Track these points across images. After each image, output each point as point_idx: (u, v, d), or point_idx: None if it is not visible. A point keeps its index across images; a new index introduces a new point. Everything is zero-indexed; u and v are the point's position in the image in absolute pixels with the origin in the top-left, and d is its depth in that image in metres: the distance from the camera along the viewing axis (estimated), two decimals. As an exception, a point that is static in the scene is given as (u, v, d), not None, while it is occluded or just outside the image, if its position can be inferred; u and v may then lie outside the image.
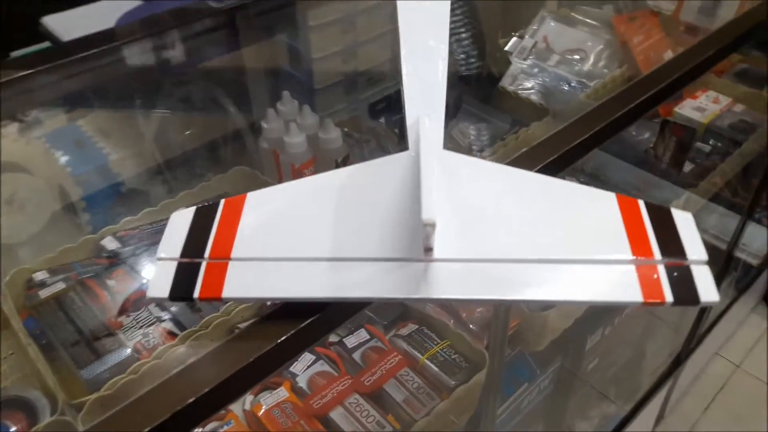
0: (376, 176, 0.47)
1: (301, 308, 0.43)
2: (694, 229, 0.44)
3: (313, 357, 0.71)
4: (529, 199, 0.45)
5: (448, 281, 0.41)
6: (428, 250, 0.40)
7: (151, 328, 0.76)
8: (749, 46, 1.23)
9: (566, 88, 1.09)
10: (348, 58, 1.07)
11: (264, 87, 1.08)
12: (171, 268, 0.43)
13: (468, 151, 0.98)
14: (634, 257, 0.42)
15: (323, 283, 0.42)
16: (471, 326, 0.77)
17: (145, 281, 0.81)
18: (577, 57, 1.14)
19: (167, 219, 0.45)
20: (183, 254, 0.43)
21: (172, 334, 0.75)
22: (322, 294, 0.42)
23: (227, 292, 0.42)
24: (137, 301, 0.79)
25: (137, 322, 0.76)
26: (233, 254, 0.43)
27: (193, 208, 0.46)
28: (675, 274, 0.41)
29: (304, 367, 0.70)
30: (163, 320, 0.77)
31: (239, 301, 0.42)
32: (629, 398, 1.36)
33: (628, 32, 1.11)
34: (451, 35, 0.99)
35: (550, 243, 0.43)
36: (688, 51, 0.74)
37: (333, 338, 0.73)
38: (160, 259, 0.44)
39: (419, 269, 0.42)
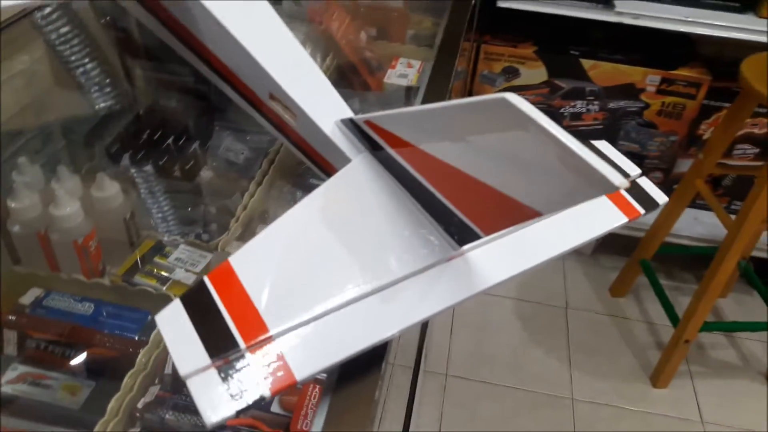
0: (350, 192, 0.43)
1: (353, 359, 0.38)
2: (617, 151, 0.51)
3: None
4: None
5: (490, 264, 0.41)
6: None
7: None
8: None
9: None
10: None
11: None
12: (212, 379, 0.33)
13: (246, 166, 0.92)
14: (598, 188, 0.47)
15: (387, 318, 0.38)
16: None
17: None
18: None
19: None
20: (213, 355, 0.34)
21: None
22: (394, 329, 0.37)
23: (299, 372, 0.34)
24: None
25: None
26: (271, 330, 0.35)
27: (176, 302, 0.36)
28: (632, 190, 0.48)
29: None
30: None
31: (315, 375, 0.35)
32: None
33: (327, 21, 1.17)
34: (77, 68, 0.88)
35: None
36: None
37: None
38: (188, 377, 0.33)
39: (460, 265, 0.40)
